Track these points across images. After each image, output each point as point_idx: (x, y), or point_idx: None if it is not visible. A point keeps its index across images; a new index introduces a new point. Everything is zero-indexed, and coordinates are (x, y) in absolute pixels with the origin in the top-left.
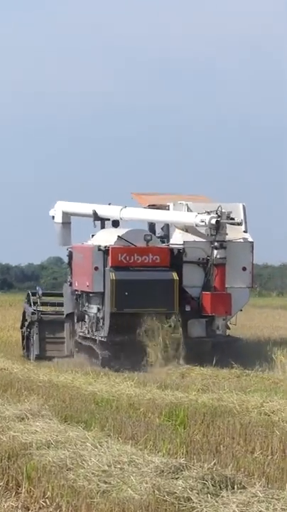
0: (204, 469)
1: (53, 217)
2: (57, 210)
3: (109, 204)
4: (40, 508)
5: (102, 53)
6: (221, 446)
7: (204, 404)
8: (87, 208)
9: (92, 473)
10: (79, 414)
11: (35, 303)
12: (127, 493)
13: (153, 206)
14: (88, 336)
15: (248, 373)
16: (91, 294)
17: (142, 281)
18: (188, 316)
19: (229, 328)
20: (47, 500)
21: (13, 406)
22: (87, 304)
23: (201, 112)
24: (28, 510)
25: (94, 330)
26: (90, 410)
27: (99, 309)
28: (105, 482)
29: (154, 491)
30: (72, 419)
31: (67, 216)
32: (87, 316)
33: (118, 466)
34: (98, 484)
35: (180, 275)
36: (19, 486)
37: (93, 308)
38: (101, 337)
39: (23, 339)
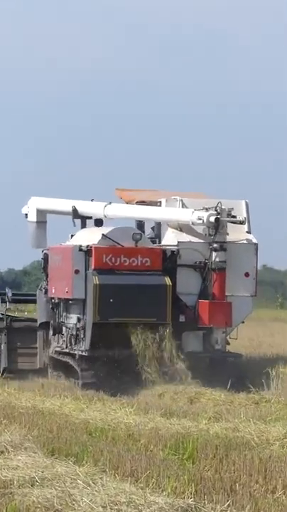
0: None
1: (26, 215)
2: (31, 207)
3: (92, 200)
4: None
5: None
6: (237, 484)
7: (217, 435)
8: (66, 205)
9: None
10: (68, 446)
11: (3, 306)
12: None
13: (142, 203)
14: (66, 350)
15: (269, 399)
16: (70, 302)
17: (129, 286)
18: (183, 328)
19: (228, 343)
20: None
21: None
22: (64, 314)
23: (200, 99)
24: None
25: (73, 343)
26: (82, 442)
27: (79, 319)
28: None
29: None
30: (61, 453)
31: (42, 214)
32: (64, 328)
33: (115, 507)
34: None
35: (173, 280)
36: None
37: (72, 318)
38: (82, 351)
39: None
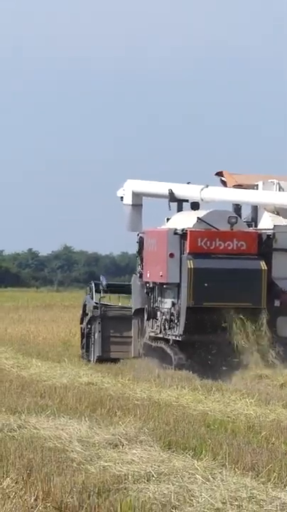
0: None
1: (122, 198)
2: (127, 190)
3: (188, 183)
4: None
5: None
6: None
7: None
8: (162, 188)
9: None
10: (186, 439)
11: (98, 295)
12: None
13: (239, 186)
14: (160, 335)
15: None
16: (165, 286)
17: (225, 270)
18: (278, 313)
19: None
20: None
21: (104, 430)
22: (159, 299)
23: None
24: None
25: (167, 328)
26: (200, 434)
27: (173, 304)
28: None
29: None
30: (178, 446)
31: (137, 197)
32: (159, 313)
33: (236, 503)
34: None
35: (269, 265)
36: None
37: (167, 303)
38: (176, 336)
39: (82, 337)
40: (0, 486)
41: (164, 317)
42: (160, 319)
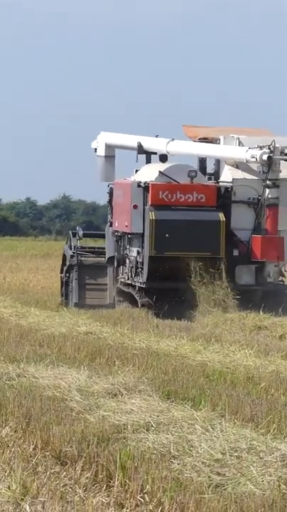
0: None
1: (95, 149)
2: (100, 142)
3: (157, 136)
4: (136, 505)
5: None
6: None
7: None
8: (132, 140)
9: (202, 463)
10: (185, 389)
11: (75, 245)
12: (246, 487)
13: (204, 140)
14: (128, 281)
15: None
16: (130, 236)
17: (185, 221)
18: (236, 262)
19: (284, 275)
20: (145, 495)
21: (103, 379)
22: (127, 247)
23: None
24: (122, 507)
25: (133, 275)
26: (199, 385)
27: (138, 252)
28: (218, 474)
29: (280, 485)
30: (177, 396)
31: (110, 149)
32: (127, 260)
33: (235, 454)
34: (209, 476)
35: (227, 216)
36: (111, 478)
37: (133, 252)
38: (140, 283)
39: (61, 285)
40: None
41: (131, 265)
42: (128, 266)
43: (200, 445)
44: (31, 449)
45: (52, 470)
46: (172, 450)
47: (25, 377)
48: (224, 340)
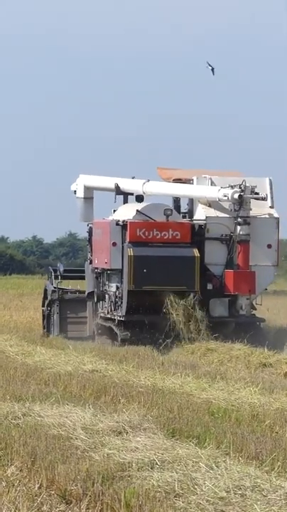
0: None
1: (75, 191)
2: (79, 185)
3: (133, 178)
4: None
5: None
6: None
7: None
8: (110, 182)
9: (207, 501)
10: (190, 427)
11: (56, 280)
12: None
13: (178, 181)
14: (108, 316)
15: None
16: (109, 272)
17: (161, 257)
18: (210, 295)
19: (255, 308)
20: None
21: (108, 417)
22: (106, 283)
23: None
24: None
25: (113, 309)
26: (204, 423)
27: (117, 287)
28: None
29: None
30: (182, 434)
31: (89, 191)
32: (107, 295)
33: (239, 492)
34: None
35: (201, 252)
36: None
37: (112, 287)
38: (120, 316)
39: (43, 318)
40: (4, 473)
41: (110, 299)
42: (107, 301)
43: (205, 483)
44: (36, 488)
45: (57, 509)
46: (176, 488)
47: (30, 416)
48: (229, 377)
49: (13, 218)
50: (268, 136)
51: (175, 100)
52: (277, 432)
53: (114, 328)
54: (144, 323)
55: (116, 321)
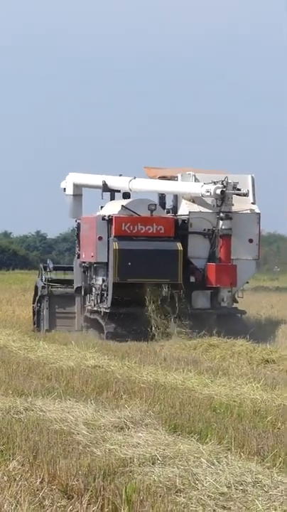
0: None
1: (64, 189)
2: (69, 182)
3: (120, 175)
4: None
5: None
6: None
7: None
8: (98, 180)
9: (208, 496)
10: (191, 423)
11: (45, 277)
12: None
13: (163, 178)
14: (94, 308)
15: None
16: (96, 265)
17: (146, 251)
18: (192, 288)
19: (237, 301)
20: None
21: (109, 412)
22: (93, 276)
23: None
24: None
25: (99, 302)
26: (205, 418)
27: (103, 280)
28: (224, 507)
29: None
30: (183, 430)
31: (78, 188)
32: (93, 289)
33: (240, 487)
34: (215, 510)
35: (185, 246)
36: (117, 511)
37: (99, 280)
38: (105, 308)
39: (33, 314)
40: (6, 468)
41: (97, 292)
42: (94, 294)
43: (206, 479)
44: (38, 483)
45: (59, 504)
46: (177, 483)
47: (32, 410)
48: (231, 373)
49: (16, 213)
50: (268, 136)
51: (174, 100)
52: (279, 428)
53: (100, 320)
54: (129, 315)
55: (102, 313)
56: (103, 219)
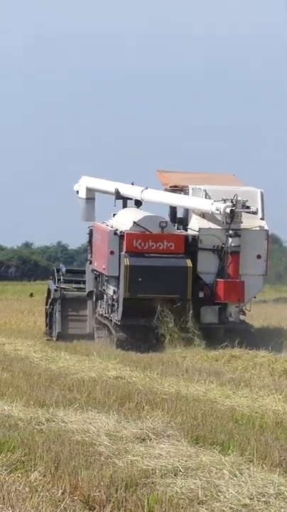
0: None
1: (77, 192)
2: (82, 186)
3: (132, 183)
4: None
5: None
6: None
7: None
8: (110, 186)
9: (230, 508)
10: (213, 434)
11: (58, 280)
12: None
13: (175, 187)
14: (106, 315)
15: None
16: (107, 276)
17: (156, 267)
18: (201, 303)
19: (244, 314)
20: None
21: (131, 424)
22: (105, 284)
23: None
24: None
25: (110, 311)
26: (228, 430)
27: (114, 292)
28: None
29: None
30: (205, 441)
31: (91, 192)
32: (104, 296)
33: (263, 499)
34: None
35: (194, 262)
36: None
37: (110, 290)
38: (116, 320)
39: (46, 317)
40: (28, 479)
41: (108, 302)
42: (105, 302)
43: (228, 490)
44: (60, 494)
45: None
46: (200, 495)
47: (54, 421)
48: (253, 384)
49: (38, 224)
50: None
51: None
52: None
53: (110, 328)
54: (139, 326)
55: (113, 323)
56: (115, 234)
